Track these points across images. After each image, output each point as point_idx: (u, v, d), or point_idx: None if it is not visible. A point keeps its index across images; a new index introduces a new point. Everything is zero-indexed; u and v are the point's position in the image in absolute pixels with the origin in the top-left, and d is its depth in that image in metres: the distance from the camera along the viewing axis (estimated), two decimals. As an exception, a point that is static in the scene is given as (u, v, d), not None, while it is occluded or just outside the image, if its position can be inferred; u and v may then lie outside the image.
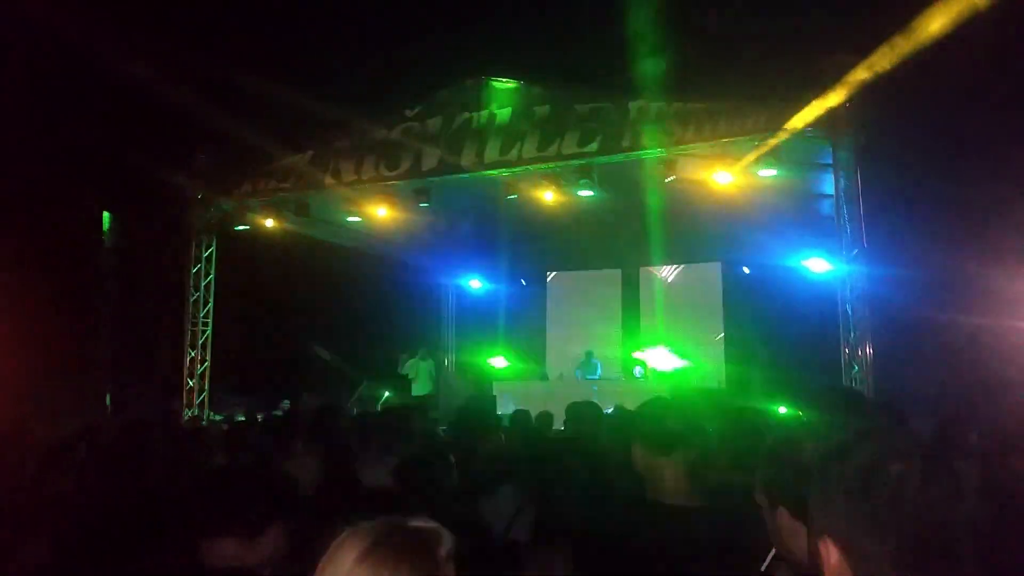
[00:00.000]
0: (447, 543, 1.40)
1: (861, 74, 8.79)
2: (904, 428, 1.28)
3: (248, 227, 11.95)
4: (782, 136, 8.94)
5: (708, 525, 2.37)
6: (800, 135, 8.99)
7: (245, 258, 12.76)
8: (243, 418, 11.22)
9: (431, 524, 1.43)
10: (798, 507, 1.79)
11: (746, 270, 13.17)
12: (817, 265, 11.56)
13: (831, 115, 8.74)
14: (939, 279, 11.01)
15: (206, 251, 12.33)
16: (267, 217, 11.65)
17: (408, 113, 10.63)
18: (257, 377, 13.28)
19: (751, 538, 2.36)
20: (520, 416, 5.33)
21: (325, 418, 5.03)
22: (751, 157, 9.18)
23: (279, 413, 12.11)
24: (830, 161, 9.09)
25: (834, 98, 8.71)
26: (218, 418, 11.66)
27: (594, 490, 2.92)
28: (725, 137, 9.13)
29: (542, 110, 10.05)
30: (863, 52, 8.93)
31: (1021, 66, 11.06)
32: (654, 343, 12.94)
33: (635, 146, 9.56)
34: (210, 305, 12.35)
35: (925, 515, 1.09)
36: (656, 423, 2.56)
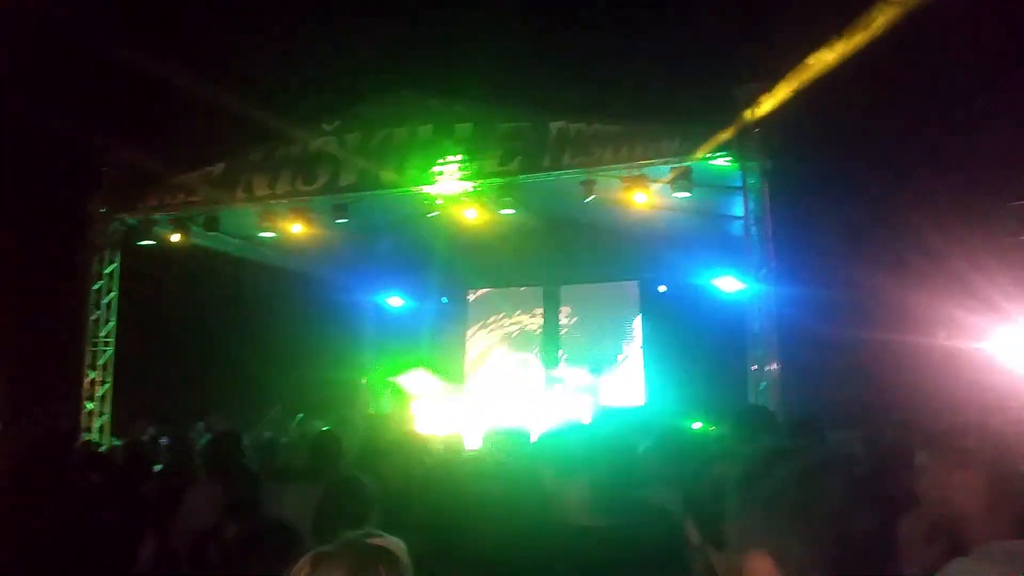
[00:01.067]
0: (405, 554, 1.49)
1: (769, 101, 9.19)
2: (824, 444, 1.38)
3: (155, 242, 11.43)
4: (694, 160, 9.24)
5: (611, 544, 2.37)
6: (712, 159, 9.32)
7: (152, 275, 12.23)
8: (145, 439, 10.71)
9: (389, 539, 1.49)
10: (703, 522, 1.86)
11: (662, 288, 13.47)
12: (728, 284, 11.93)
13: (740, 140, 9.09)
14: (844, 298, 11.53)
15: (108, 267, 11.74)
16: (175, 232, 11.17)
17: (326, 127, 10.45)
18: (163, 399, 12.69)
19: (654, 555, 2.39)
20: (431, 438, 5.27)
21: (223, 445, 4.85)
22: (666, 179, 9.44)
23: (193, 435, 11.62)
24: (740, 184, 9.41)
25: (743, 124, 9.07)
26: (117, 443, 11.08)
27: (505, 512, 2.89)
28: (641, 159, 9.36)
29: (463, 128, 10.05)
30: (771, 80, 9.35)
31: (921, 90, 11.79)
32: (573, 361, 13.06)
33: (555, 166, 9.68)
34: (112, 324, 11.76)
35: (852, 523, 1.18)
36: (563, 446, 2.56)
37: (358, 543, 1.46)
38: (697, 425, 11.05)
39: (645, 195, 9.64)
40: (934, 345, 11.33)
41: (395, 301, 15.19)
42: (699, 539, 1.87)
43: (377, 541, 1.48)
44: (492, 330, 14.61)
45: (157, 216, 11.35)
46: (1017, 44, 10.84)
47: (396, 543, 1.49)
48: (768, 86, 9.25)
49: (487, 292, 14.84)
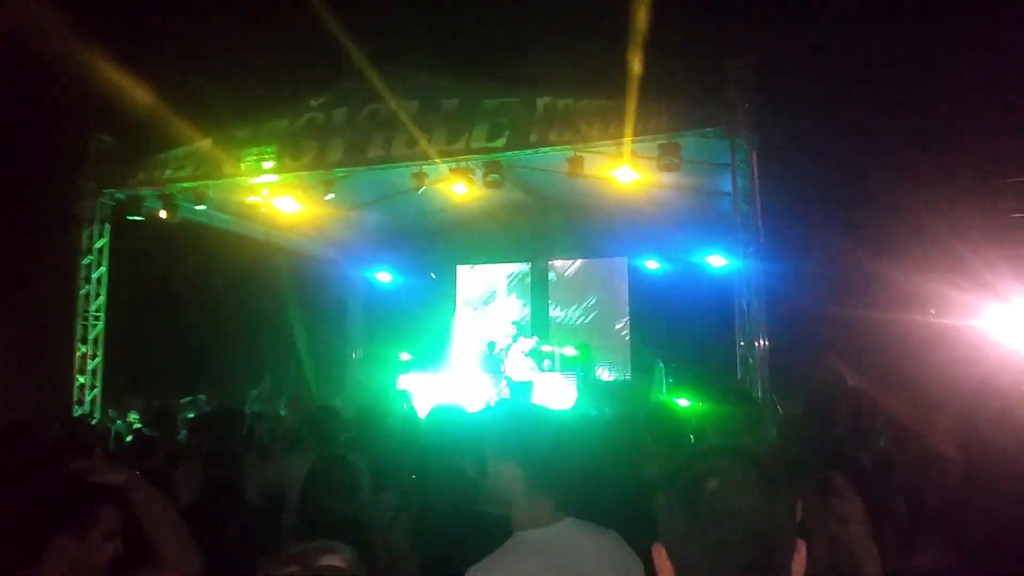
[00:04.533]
0: (353, 564, 1.48)
1: (758, 77, 9.12)
2: (739, 447, 1.38)
3: (143, 217, 11.43)
4: (684, 136, 9.18)
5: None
6: (701, 135, 9.26)
7: (141, 249, 12.23)
8: (136, 415, 10.81)
9: (340, 551, 1.48)
10: None
11: (652, 265, 13.46)
12: (718, 261, 11.92)
13: (729, 116, 9.03)
14: (832, 274, 11.55)
15: (98, 242, 11.75)
16: (163, 207, 11.17)
17: (312, 103, 10.37)
18: (154, 372, 12.76)
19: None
20: (410, 417, 5.29)
21: (216, 422, 4.85)
22: (655, 156, 9.38)
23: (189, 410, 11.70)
24: (728, 161, 9.35)
25: (731, 100, 9.01)
26: (113, 414, 11.17)
27: (460, 500, 2.89)
28: (629, 136, 9.27)
29: (450, 103, 9.97)
30: (761, 57, 9.27)
31: (910, 71, 11.70)
32: (562, 338, 13.07)
33: (542, 142, 9.61)
34: (102, 298, 11.79)
35: (741, 527, 1.22)
36: (493, 429, 2.41)
37: (307, 559, 1.44)
38: (684, 402, 11.14)
39: (633, 171, 9.60)
40: (924, 322, 11.36)
41: (384, 276, 15.19)
42: None
43: (327, 559, 1.46)
44: (481, 306, 14.64)
45: (145, 191, 11.33)
46: (1007, 18, 10.74)
47: (347, 553, 1.48)
48: (759, 61, 9.19)
49: (476, 268, 14.84)
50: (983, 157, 11.39)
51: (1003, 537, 2.32)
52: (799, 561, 1.26)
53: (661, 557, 1.29)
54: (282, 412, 8.24)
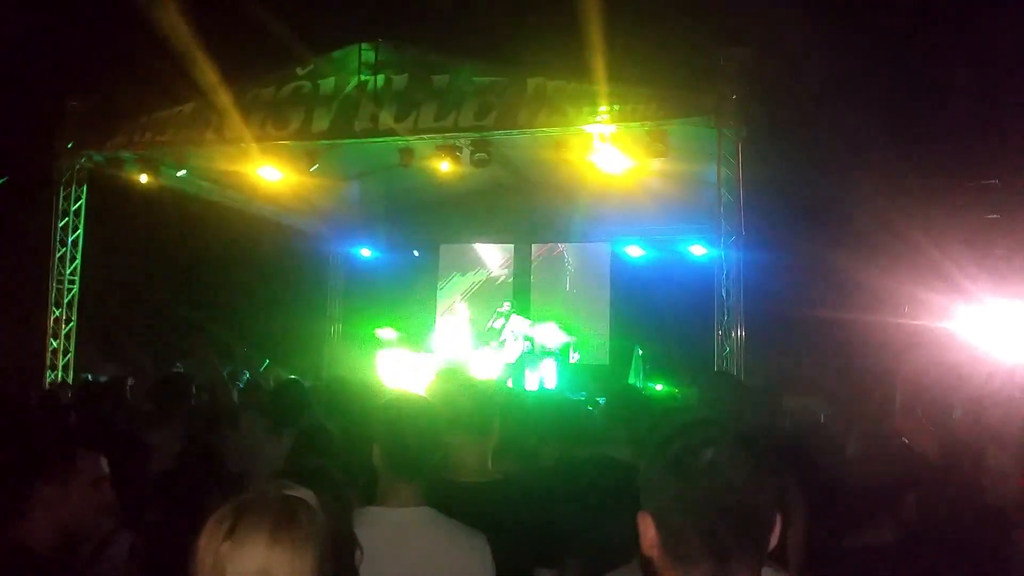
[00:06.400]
0: (317, 505, 1.47)
1: (748, 69, 9.16)
2: (727, 418, 1.40)
3: (122, 181, 11.23)
4: (670, 123, 9.21)
5: (497, 498, 2.42)
6: (687, 123, 9.30)
7: (119, 214, 12.04)
8: (104, 379, 10.69)
9: (302, 490, 1.48)
10: None
11: (635, 251, 13.50)
12: (699, 250, 11.99)
13: (717, 106, 9.06)
14: (810, 269, 11.68)
15: (74, 204, 11.53)
16: (143, 171, 10.98)
17: (299, 71, 10.23)
18: (130, 339, 12.63)
19: (541, 506, 2.45)
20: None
21: (173, 387, 4.83)
22: (643, 142, 9.40)
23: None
24: (715, 150, 9.39)
25: (721, 90, 9.04)
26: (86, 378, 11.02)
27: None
28: (618, 121, 9.29)
29: (440, 79, 9.88)
30: (751, 47, 9.31)
31: (894, 68, 11.80)
32: (544, 318, 13.10)
33: (531, 123, 9.58)
34: (77, 262, 11.59)
35: (729, 496, 1.24)
36: (447, 409, 2.44)
37: (279, 494, 1.45)
38: (659, 387, 11.25)
39: (623, 155, 9.62)
40: (897, 322, 11.53)
41: (365, 252, 15.08)
42: None
43: (293, 492, 1.48)
44: (463, 285, 14.62)
45: (125, 154, 11.13)
46: (984, 22, 10.87)
47: (309, 494, 1.48)
48: (749, 52, 9.22)
49: (459, 247, 14.79)
50: (958, 159, 11.56)
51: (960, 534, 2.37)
52: (775, 535, 1.29)
53: (647, 524, 1.29)
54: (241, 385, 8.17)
